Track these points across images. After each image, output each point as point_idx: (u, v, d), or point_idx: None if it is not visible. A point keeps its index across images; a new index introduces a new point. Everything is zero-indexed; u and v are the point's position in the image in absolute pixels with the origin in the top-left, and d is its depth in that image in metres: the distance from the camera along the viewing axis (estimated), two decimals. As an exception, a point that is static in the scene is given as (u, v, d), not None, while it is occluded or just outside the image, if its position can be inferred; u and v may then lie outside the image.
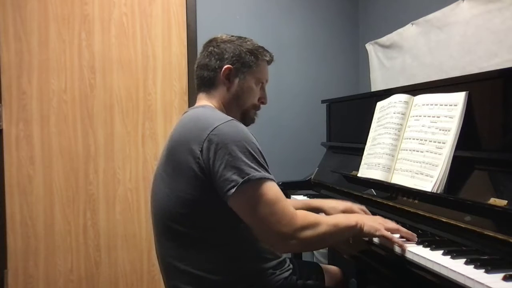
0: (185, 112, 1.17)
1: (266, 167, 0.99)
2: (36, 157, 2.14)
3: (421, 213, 1.18)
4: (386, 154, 1.40)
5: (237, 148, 0.96)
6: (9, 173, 2.11)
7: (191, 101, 2.35)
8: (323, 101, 2.16)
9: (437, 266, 0.90)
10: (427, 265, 0.93)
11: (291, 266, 1.17)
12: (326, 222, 1.00)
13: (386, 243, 1.08)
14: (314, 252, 2.50)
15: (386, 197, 1.36)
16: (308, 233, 0.96)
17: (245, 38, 1.22)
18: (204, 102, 1.17)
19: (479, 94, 1.15)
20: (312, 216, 1.01)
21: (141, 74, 2.29)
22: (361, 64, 2.67)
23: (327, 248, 2.35)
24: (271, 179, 0.98)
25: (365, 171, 1.51)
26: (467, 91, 1.16)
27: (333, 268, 1.49)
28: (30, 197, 2.13)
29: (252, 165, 0.95)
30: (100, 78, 2.23)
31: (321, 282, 1.34)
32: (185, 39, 2.35)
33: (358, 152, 1.62)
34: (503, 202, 0.96)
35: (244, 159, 0.95)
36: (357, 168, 1.57)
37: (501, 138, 1.11)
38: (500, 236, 0.92)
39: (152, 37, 2.30)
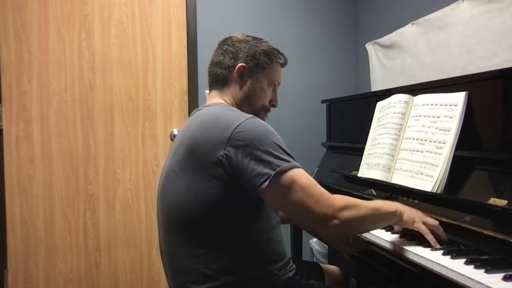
0: (198, 110, 1.16)
1: (293, 156, 1.01)
2: (36, 157, 2.14)
3: (421, 213, 1.19)
4: (386, 154, 1.40)
5: (264, 142, 0.97)
6: (9, 173, 2.11)
7: (191, 101, 2.35)
8: (323, 101, 2.16)
9: (437, 266, 0.90)
10: (427, 265, 0.93)
11: (294, 266, 1.17)
12: (365, 205, 1.01)
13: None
14: (314, 252, 2.50)
15: (386, 197, 1.36)
16: (349, 213, 0.96)
17: (261, 39, 1.23)
18: (217, 99, 1.17)
19: (479, 94, 1.15)
20: (350, 198, 1.00)
21: (141, 74, 2.29)
22: (361, 64, 2.68)
23: (327, 248, 2.36)
24: (300, 167, 0.99)
25: (365, 171, 1.51)
26: (467, 91, 1.16)
27: (333, 268, 1.50)
28: (30, 197, 2.13)
29: (281, 156, 0.97)
30: (100, 78, 2.23)
31: (322, 282, 1.34)
32: (185, 39, 2.35)
33: (358, 152, 1.62)
34: (503, 202, 0.97)
35: (273, 151, 0.97)
36: (357, 168, 1.57)
37: (501, 138, 1.11)
38: (500, 236, 0.92)
39: (152, 37, 2.30)
